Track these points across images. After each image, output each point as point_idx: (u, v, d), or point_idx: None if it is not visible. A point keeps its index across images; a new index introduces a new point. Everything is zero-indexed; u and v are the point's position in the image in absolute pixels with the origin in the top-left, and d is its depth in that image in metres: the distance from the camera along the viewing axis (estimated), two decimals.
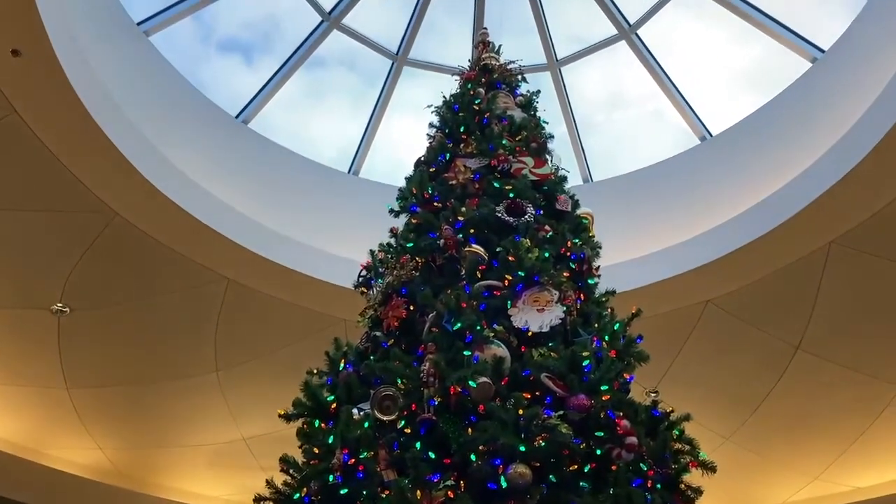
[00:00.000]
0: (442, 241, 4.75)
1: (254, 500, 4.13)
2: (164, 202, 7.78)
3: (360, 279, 5.10)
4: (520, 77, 6.51)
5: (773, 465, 10.19)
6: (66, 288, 8.46)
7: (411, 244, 4.89)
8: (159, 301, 8.85)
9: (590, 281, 4.83)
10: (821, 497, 10.08)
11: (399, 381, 3.96)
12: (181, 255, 8.30)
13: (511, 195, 4.95)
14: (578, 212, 5.34)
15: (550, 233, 4.83)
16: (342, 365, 4.47)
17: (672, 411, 4.10)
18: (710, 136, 10.12)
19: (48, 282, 8.40)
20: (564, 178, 5.51)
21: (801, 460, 10.00)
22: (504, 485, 3.37)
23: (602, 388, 3.80)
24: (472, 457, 3.50)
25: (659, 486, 3.65)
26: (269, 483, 4.14)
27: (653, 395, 4.21)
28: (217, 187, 8.67)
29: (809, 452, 9.83)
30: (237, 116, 10.04)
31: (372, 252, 5.17)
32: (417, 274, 4.72)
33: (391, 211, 5.40)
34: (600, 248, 5.20)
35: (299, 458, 4.18)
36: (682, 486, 3.84)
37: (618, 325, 4.43)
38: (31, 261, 8.20)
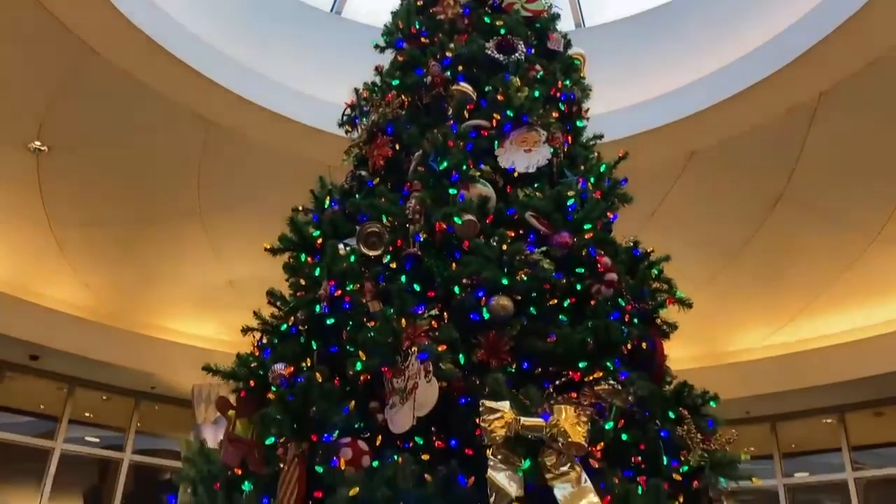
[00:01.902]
0: (429, 78, 4.62)
1: (241, 331, 4.23)
2: (138, 36, 7.46)
3: (345, 117, 4.99)
4: None
5: (745, 311, 10.58)
6: (42, 126, 8.26)
7: (397, 81, 4.76)
8: (138, 141, 8.70)
9: (578, 123, 4.76)
10: (790, 342, 10.55)
11: (384, 218, 3.97)
12: (159, 93, 8.07)
13: (502, 31, 4.78)
14: (570, 52, 5.18)
15: (541, 72, 4.70)
16: (327, 203, 4.46)
17: (652, 251, 4.17)
18: None
19: (24, 119, 8.20)
20: (557, 16, 5.31)
21: (774, 307, 10.39)
22: (486, 316, 3.46)
23: (585, 226, 3.84)
24: (456, 289, 3.57)
25: (636, 320, 3.77)
26: (257, 314, 4.23)
27: (633, 241, 4.24)
28: (198, 25, 8.31)
29: (782, 300, 10.20)
30: None
31: (356, 90, 5.04)
32: (403, 112, 4.62)
33: (376, 47, 5.21)
34: (591, 90, 5.09)
35: (286, 293, 4.26)
36: (659, 321, 3.98)
37: (604, 166, 4.42)
38: (4, 98, 7.95)
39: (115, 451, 10.92)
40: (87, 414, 11.36)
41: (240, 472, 3.57)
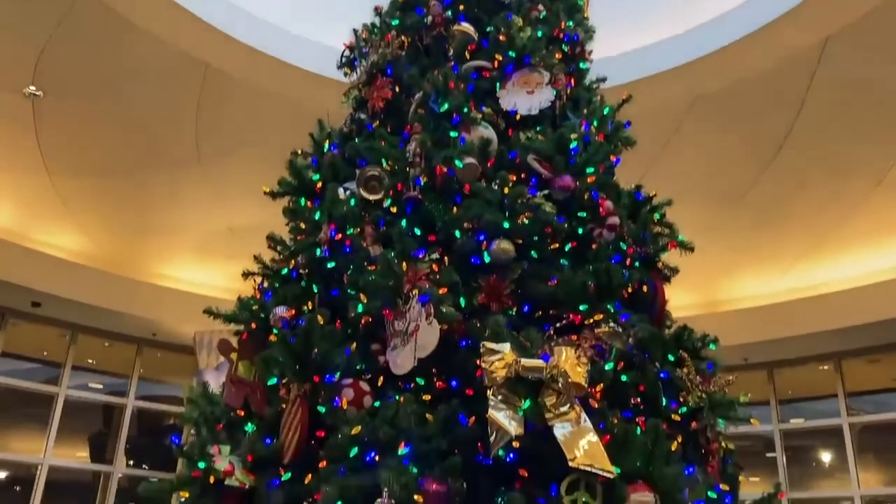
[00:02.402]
0: (429, 18, 4.53)
1: (242, 275, 4.23)
2: None
3: (344, 59, 4.91)
4: None
5: (746, 259, 10.59)
6: (37, 70, 8.14)
7: (397, 21, 4.67)
8: (135, 87, 8.59)
9: (581, 65, 4.69)
10: (788, 290, 10.58)
11: (384, 162, 3.93)
12: (156, 36, 7.93)
13: None
14: None
15: (544, 12, 4.61)
16: (326, 146, 4.41)
17: (655, 195, 4.15)
18: None
19: (18, 64, 8.07)
20: None
21: (774, 255, 10.39)
22: (487, 260, 3.46)
23: (588, 170, 3.80)
24: (457, 233, 3.55)
25: (637, 264, 3.76)
26: (257, 258, 4.22)
27: (635, 186, 4.21)
28: None
29: (783, 247, 10.19)
30: None
31: (355, 31, 4.94)
32: (403, 53, 4.54)
33: None
34: (594, 31, 4.99)
35: (286, 239, 4.25)
36: (660, 265, 3.97)
37: (607, 109, 4.37)
38: None
39: (119, 396, 11.03)
40: (89, 360, 11.47)
41: (242, 413, 3.61)
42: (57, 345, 10.80)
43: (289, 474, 3.18)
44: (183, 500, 3.26)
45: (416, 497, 2.80)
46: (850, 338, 10.31)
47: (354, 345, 3.29)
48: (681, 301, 4.28)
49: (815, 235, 9.92)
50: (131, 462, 10.95)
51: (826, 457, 12.01)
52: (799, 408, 12.07)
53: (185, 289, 10.74)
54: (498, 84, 4.20)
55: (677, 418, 3.39)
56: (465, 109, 3.99)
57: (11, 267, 9.42)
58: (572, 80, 4.54)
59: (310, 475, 3.12)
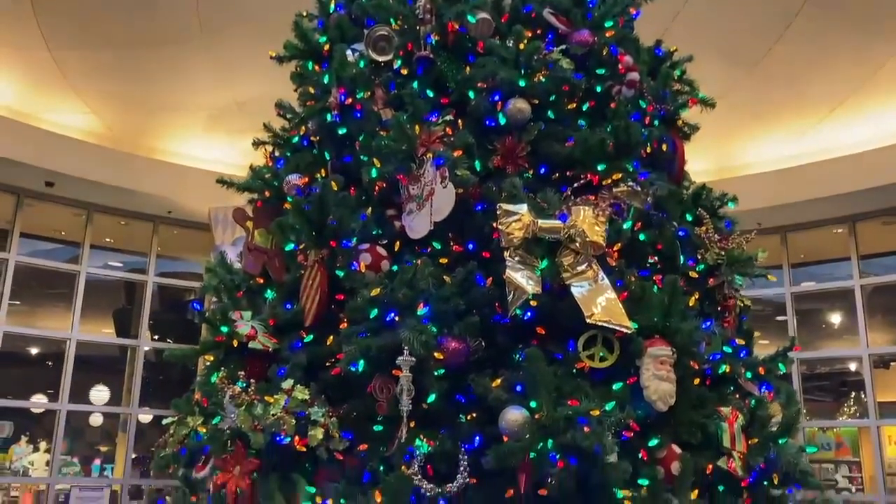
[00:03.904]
0: None
1: (252, 144, 4.17)
2: None
3: None
4: None
5: (762, 123, 10.36)
6: None
7: None
8: None
9: None
10: (804, 153, 10.40)
11: (393, 21, 3.77)
12: None
13: None
14: None
15: None
16: (332, 7, 4.22)
17: (675, 50, 3.99)
18: None
19: None
20: None
21: (791, 119, 10.15)
22: (502, 120, 3.37)
23: (606, 23, 3.64)
24: (471, 93, 3.45)
25: (656, 122, 3.67)
26: (267, 126, 4.14)
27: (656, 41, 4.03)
28: None
29: (800, 111, 9.94)
30: None
31: None
32: None
33: None
34: None
35: (296, 105, 4.15)
36: (680, 122, 3.87)
37: None
38: None
39: (139, 274, 11.23)
40: (107, 239, 11.58)
41: (262, 280, 3.65)
42: (74, 224, 10.88)
43: (310, 336, 3.24)
44: (208, 364, 3.35)
45: (435, 354, 2.86)
46: (865, 200, 10.22)
47: (370, 210, 3.27)
48: (695, 167, 4.20)
49: (835, 98, 9.64)
50: (156, 336, 11.28)
51: (835, 319, 12.21)
52: (810, 271, 12.14)
53: (197, 165, 10.66)
54: None
55: (695, 275, 3.40)
56: None
57: (22, 146, 9.34)
58: None
59: (331, 337, 3.18)
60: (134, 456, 10.28)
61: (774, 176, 10.63)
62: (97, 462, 11.32)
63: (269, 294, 3.57)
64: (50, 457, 9.97)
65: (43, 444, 11.01)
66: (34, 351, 12.67)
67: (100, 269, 10.98)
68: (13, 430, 13.38)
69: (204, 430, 3.20)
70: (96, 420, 12.07)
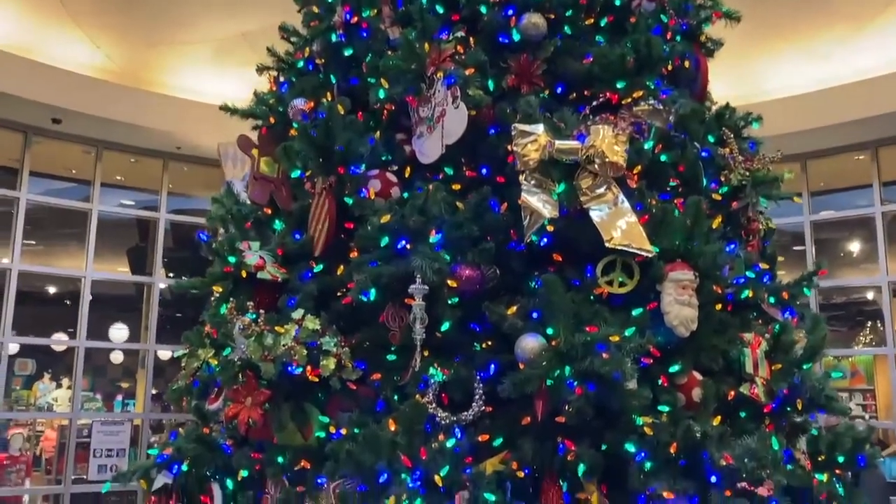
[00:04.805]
0: None
1: (256, 69, 4.01)
2: None
3: None
4: None
5: (782, 47, 10.01)
6: None
7: None
8: None
9: None
10: (829, 77, 10.08)
11: None
12: None
13: None
14: None
15: None
16: None
17: None
18: None
19: None
20: None
21: (812, 42, 9.80)
22: (517, 37, 3.21)
23: None
24: (483, 8, 3.28)
25: (679, 37, 3.47)
26: (271, 51, 3.98)
27: None
28: None
29: (821, 34, 9.58)
30: None
31: None
32: None
33: None
34: None
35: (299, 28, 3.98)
36: (703, 38, 3.67)
37: None
38: None
39: (151, 211, 11.17)
40: (118, 177, 11.51)
41: (270, 211, 3.54)
42: (83, 162, 10.79)
43: (320, 266, 3.16)
44: (217, 294, 3.29)
45: (448, 282, 2.77)
46: (888, 124, 9.94)
47: (378, 134, 3.14)
48: (714, 91, 4.01)
49: (857, 19, 9.27)
50: (171, 274, 11.28)
51: (854, 247, 12.04)
52: (829, 200, 11.94)
53: (205, 100, 10.46)
54: None
55: (718, 198, 3.26)
56: None
57: (27, 82, 9.16)
58: None
59: (341, 267, 3.10)
60: (154, 392, 10.43)
61: (795, 101, 10.33)
62: (119, 398, 11.50)
63: (278, 225, 3.48)
64: (69, 392, 10.13)
65: (65, 381, 11.19)
66: (52, 290, 12.81)
67: (113, 208, 10.95)
68: (36, 368, 13.66)
69: (215, 363, 3.15)
70: (117, 357, 12.25)
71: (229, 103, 3.74)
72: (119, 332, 11.45)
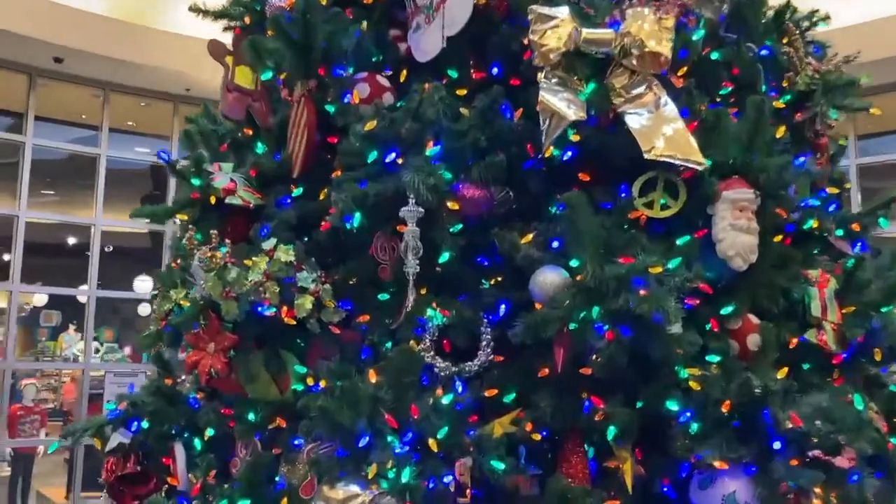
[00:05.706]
0: None
1: None
2: None
3: None
4: None
5: None
6: None
7: None
8: None
9: None
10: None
11: None
12: None
13: None
14: None
15: None
16: None
17: None
18: None
19: None
20: None
21: None
22: None
23: None
24: None
25: None
26: None
27: None
28: None
29: None
30: None
31: None
32: None
33: None
34: None
35: None
36: None
37: None
38: None
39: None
40: (129, 122, 11.13)
41: (250, 131, 3.04)
42: (91, 106, 10.40)
43: (300, 189, 2.66)
44: (180, 223, 2.81)
45: (448, 203, 2.26)
46: None
47: (364, 25, 2.59)
48: None
49: None
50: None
51: None
52: (879, 143, 11.22)
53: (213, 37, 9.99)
54: None
55: (780, 106, 2.68)
56: None
57: (26, 20, 8.72)
58: None
59: (324, 190, 2.59)
60: None
61: (840, 33, 9.52)
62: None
63: (260, 148, 2.97)
64: (95, 344, 10.00)
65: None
66: (72, 241, 12.60)
67: (123, 153, 10.62)
68: (62, 320, 13.54)
69: (187, 304, 2.69)
70: (144, 310, 12.06)
71: (199, 4, 3.21)
72: (144, 283, 11.17)
